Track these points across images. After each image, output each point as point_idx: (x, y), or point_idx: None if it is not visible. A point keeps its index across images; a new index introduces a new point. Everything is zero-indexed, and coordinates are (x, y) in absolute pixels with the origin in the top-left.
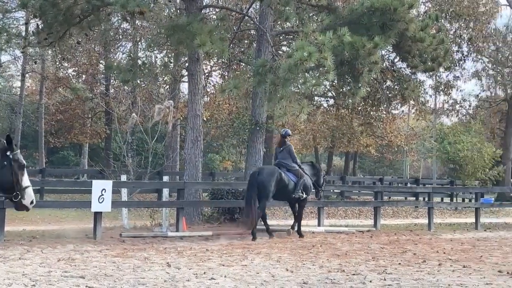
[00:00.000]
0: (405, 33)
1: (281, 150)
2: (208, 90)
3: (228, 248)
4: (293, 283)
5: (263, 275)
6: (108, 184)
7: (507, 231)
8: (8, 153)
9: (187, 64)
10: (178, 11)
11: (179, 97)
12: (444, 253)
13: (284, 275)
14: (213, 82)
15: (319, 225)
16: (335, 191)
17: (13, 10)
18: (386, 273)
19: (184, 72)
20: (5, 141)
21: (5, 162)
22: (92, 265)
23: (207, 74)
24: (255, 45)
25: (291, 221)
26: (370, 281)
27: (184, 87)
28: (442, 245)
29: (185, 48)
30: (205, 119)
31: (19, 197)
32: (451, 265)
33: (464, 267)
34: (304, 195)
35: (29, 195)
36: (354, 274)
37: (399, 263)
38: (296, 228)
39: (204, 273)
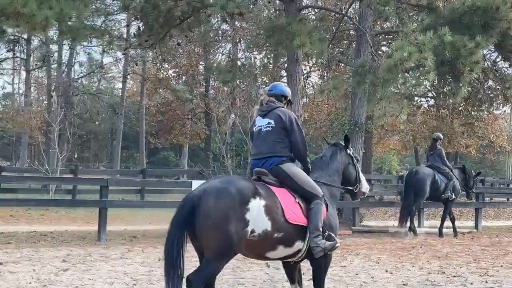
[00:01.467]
0: (508, 32)
1: (432, 153)
2: (307, 90)
3: None
4: (392, 285)
5: (362, 276)
6: None
7: None
8: (348, 151)
9: (286, 65)
10: (277, 12)
11: None
12: None
13: (383, 277)
14: (312, 82)
15: (419, 226)
16: None
17: (115, 13)
18: (488, 275)
19: (283, 73)
20: (343, 141)
21: (350, 160)
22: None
23: (306, 75)
24: (354, 45)
25: (391, 222)
26: (471, 284)
27: None
28: None
29: (284, 49)
30: (304, 119)
31: (358, 187)
32: None
33: None
34: (453, 196)
35: (364, 182)
36: (454, 276)
37: (501, 265)
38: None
39: (303, 273)
